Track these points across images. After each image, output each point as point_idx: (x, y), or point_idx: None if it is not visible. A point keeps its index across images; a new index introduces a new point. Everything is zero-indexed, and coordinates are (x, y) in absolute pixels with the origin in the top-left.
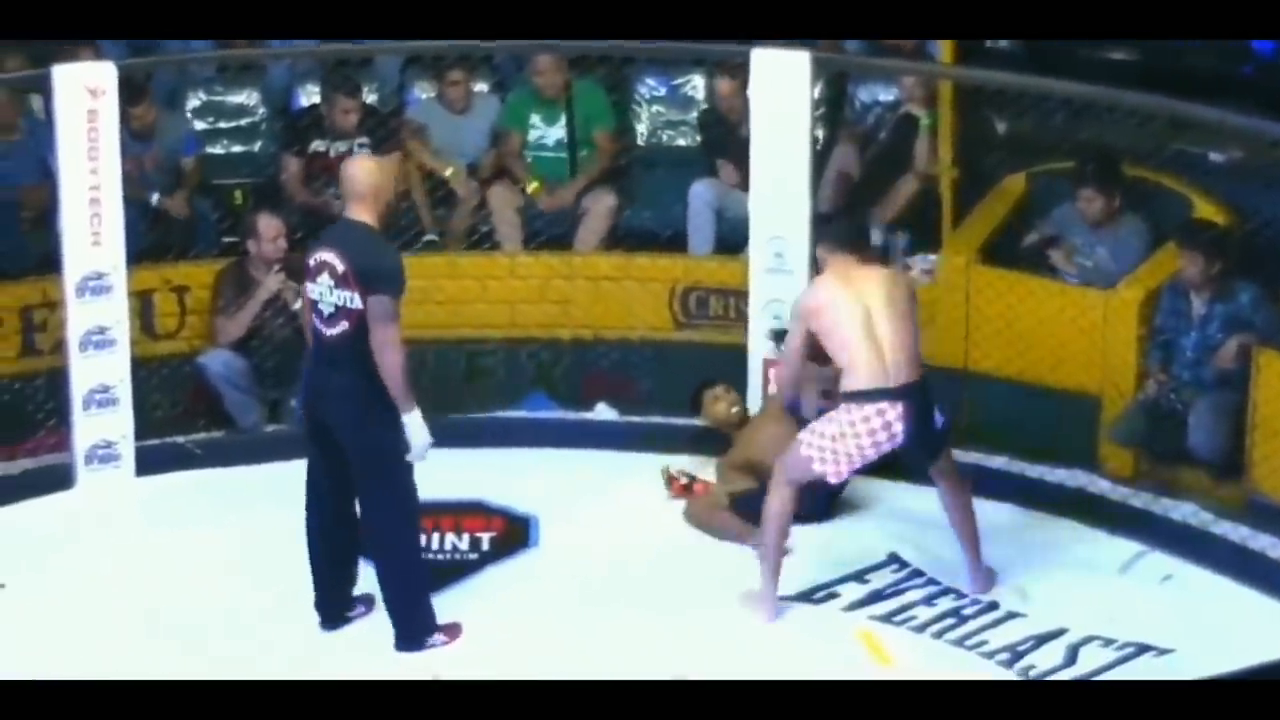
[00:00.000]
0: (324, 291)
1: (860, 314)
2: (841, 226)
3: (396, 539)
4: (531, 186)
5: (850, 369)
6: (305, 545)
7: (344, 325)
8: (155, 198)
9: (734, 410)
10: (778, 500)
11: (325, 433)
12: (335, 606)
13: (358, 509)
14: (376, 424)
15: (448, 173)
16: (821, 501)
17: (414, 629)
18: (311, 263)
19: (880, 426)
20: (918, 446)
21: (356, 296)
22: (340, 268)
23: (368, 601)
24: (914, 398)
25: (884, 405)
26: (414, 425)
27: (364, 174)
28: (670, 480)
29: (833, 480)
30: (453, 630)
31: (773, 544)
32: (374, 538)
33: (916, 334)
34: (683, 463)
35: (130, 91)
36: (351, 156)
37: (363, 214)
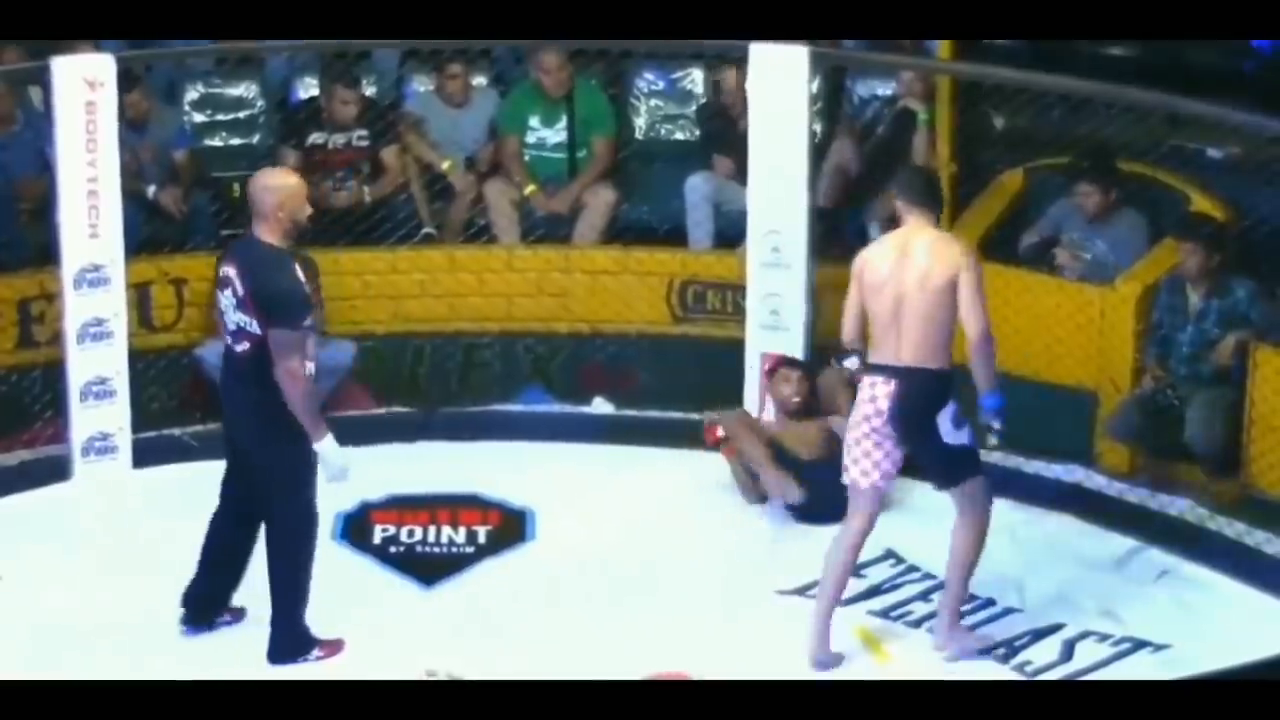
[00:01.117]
0: (228, 308)
1: (892, 287)
2: (918, 180)
3: (290, 554)
4: (529, 189)
5: (870, 340)
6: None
7: (245, 345)
8: (152, 190)
9: (795, 399)
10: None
11: (234, 444)
12: (206, 607)
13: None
14: (280, 440)
15: (445, 166)
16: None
17: (291, 644)
18: (220, 274)
19: (868, 399)
20: (912, 445)
21: (255, 323)
22: (240, 290)
23: (238, 614)
24: (908, 380)
25: (876, 379)
26: (328, 452)
27: (268, 191)
28: (707, 429)
29: (880, 483)
30: (334, 646)
31: (834, 579)
32: (270, 550)
33: (946, 320)
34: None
35: (124, 80)
36: (262, 170)
37: (267, 233)
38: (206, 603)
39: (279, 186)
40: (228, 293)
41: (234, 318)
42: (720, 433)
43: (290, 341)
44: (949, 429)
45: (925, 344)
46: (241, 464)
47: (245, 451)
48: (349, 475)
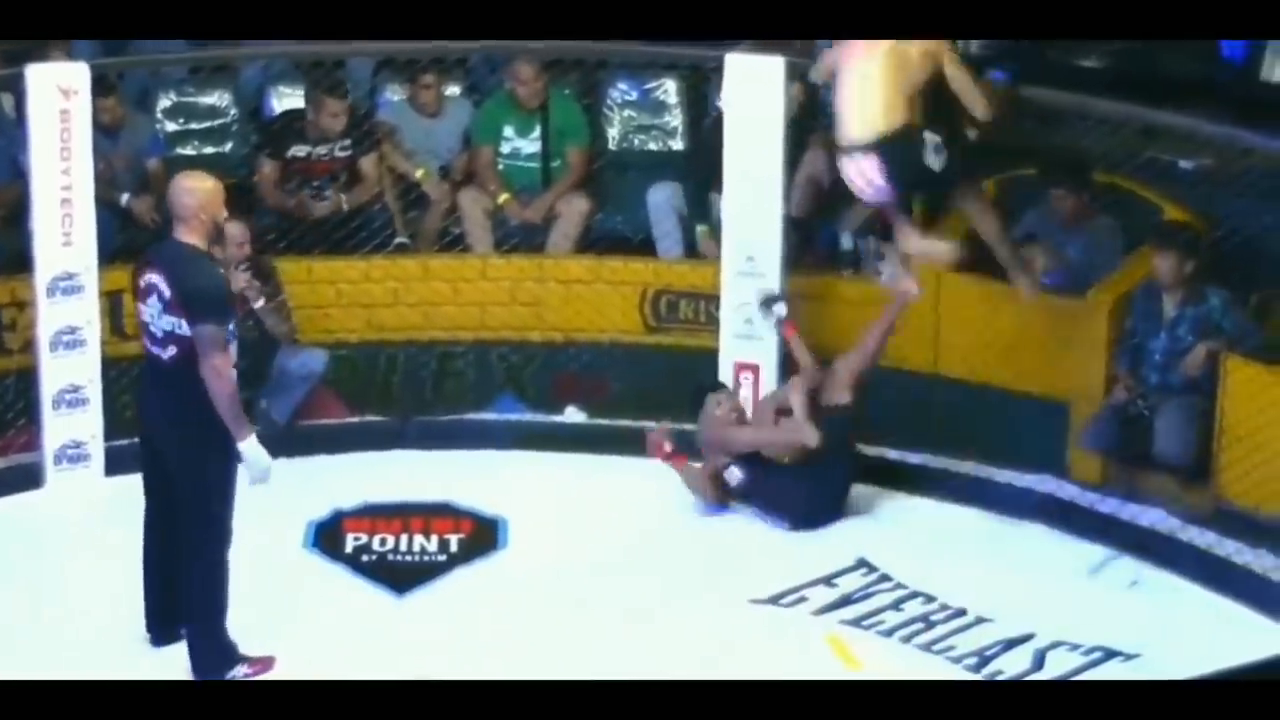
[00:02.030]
0: (153, 315)
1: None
2: None
3: (205, 567)
4: (502, 198)
5: None
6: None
7: (174, 350)
8: (125, 198)
9: (733, 416)
10: None
11: (155, 453)
12: (164, 621)
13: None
14: (201, 448)
15: (418, 175)
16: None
17: (212, 659)
18: (141, 284)
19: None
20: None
21: (183, 323)
22: (167, 293)
23: None
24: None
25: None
26: (251, 451)
27: (189, 194)
28: (656, 444)
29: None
30: (263, 664)
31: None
32: (185, 562)
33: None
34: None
35: (98, 85)
36: (182, 174)
37: (188, 235)
38: (164, 617)
39: (199, 189)
40: (152, 299)
41: (161, 323)
42: (667, 447)
43: (216, 338)
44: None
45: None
46: (160, 474)
47: (165, 460)
48: (270, 477)
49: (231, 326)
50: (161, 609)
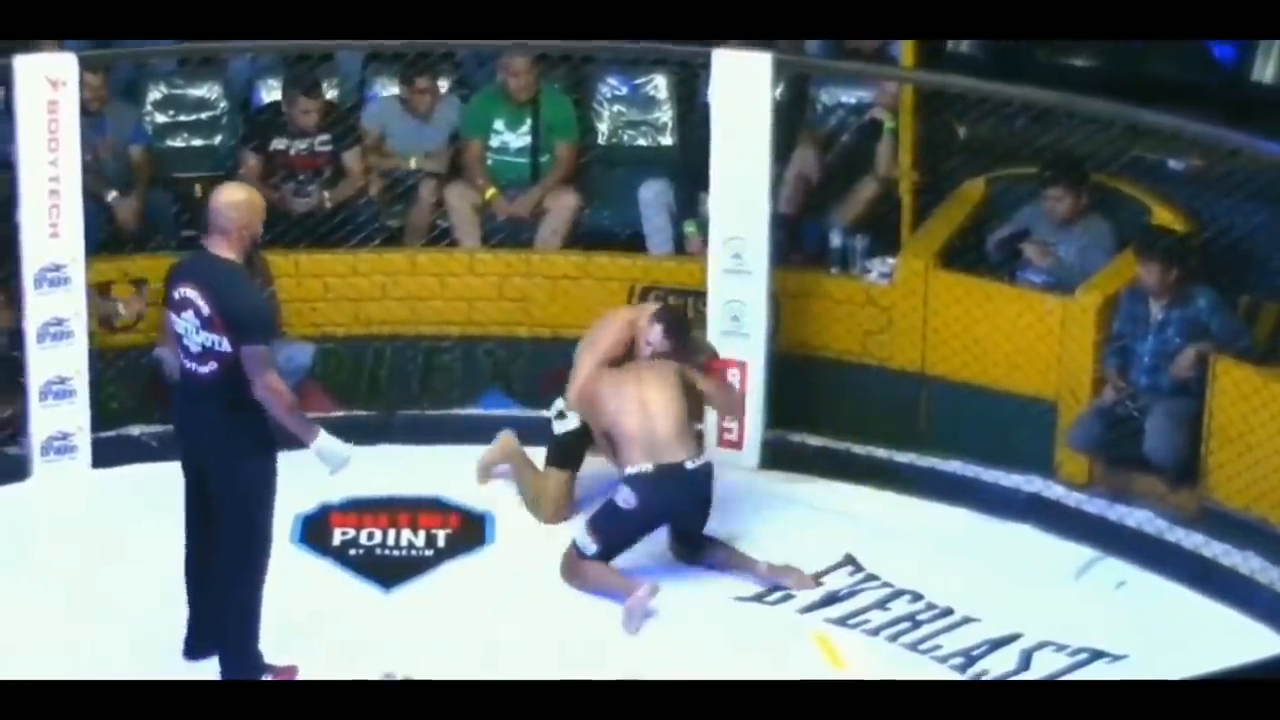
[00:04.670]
0: (189, 329)
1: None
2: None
3: (244, 578)
4: (489, 193)
5: None
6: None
7: (213, 365)
8: (112, 195)
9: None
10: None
11: (196, 467)
12: (202, 637)
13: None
14: (242, 461)
15: (413, 163)
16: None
17: (241, 669)
18: (176, 296)
19: None
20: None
21: (225, 341)
22: (205, 310)
23: None
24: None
25: None
26: (325, 446)
27: (234, 208)
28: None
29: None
30: (287, 673)
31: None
32: (223, 570)
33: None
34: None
35: (84, 63)
36: (221, 185)
37: (226, 249)
38: (203, 631)
39: (244, 203)
40: (188, 314)
41: (199, 339)
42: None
43: (266, 357)
44: None
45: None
46: (201, 492)
47: (205, 477)
48: (350, 463)
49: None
50: (202, 624)
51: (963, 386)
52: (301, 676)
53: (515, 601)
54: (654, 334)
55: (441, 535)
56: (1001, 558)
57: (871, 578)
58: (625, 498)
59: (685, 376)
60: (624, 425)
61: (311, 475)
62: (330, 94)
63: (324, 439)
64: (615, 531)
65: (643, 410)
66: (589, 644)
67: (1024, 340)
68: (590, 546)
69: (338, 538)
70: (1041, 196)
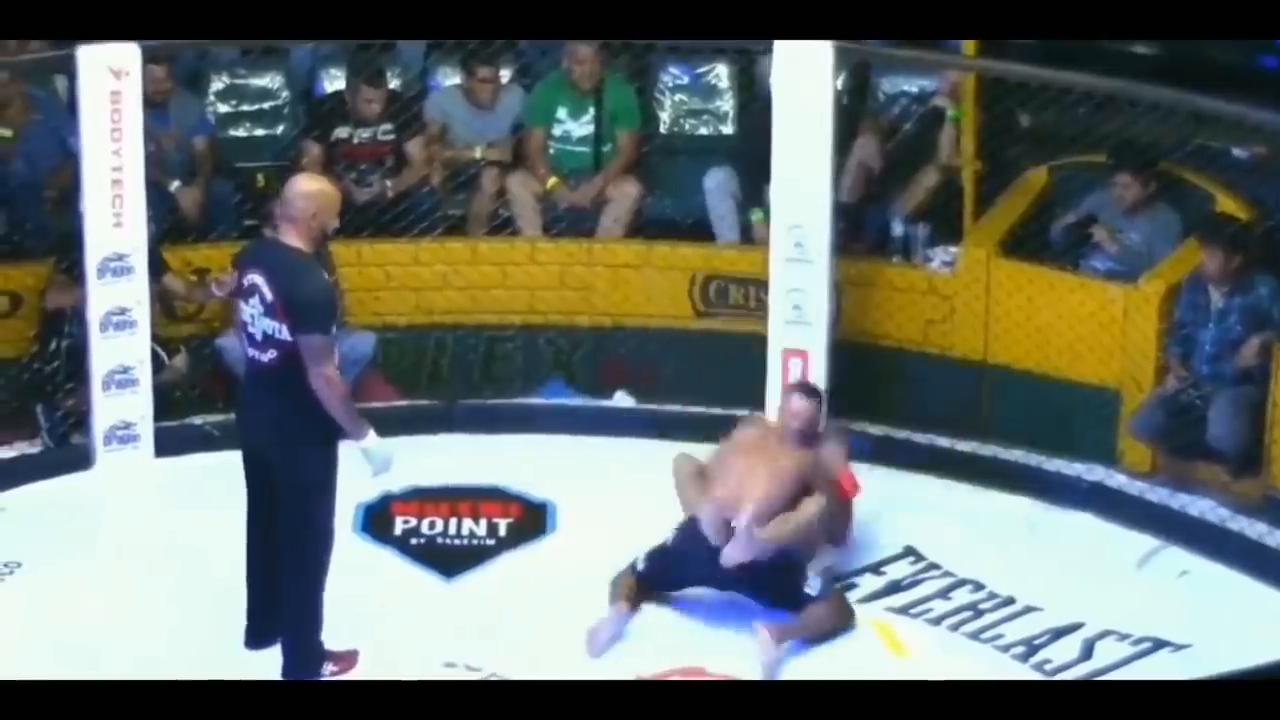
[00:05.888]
0: (253, 316)
1: None
2: None
3: (305, 567)
4: (550, 182)
5: None
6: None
7: (274, 353)
8: (175, 185)
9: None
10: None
11: (256, 456)
12: (263, 626)
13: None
14: (303, 449)
15: (476, 154)
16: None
17: (303, 659)
18: (244, 282)
19: None
20: None
21: (285, 329)
22: (269, 296)
23: None
24: None
25: None
26: (372, 446)
27: (307, 199)
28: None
29: None
30: (348, 659)
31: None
32: (285, 561)
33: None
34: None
35: (148, 54)
36: (294, 176)
37: (295, 238)
38: (264, 622)
39: (317, 194)
40: (254, 300)
41: (262, 325)
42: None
43: (324, 347)
44: None
45: None
46: (262, 481)
47: (266, 465)
48: (393, 466)
49: (334, 330)
50: (263, 614)
51: (1025, 375)
52: (362, 665)
53: (576, 591)
54: (794, 401)
55: (503, 524)
56: (1064, 547)
57: (933, 567)
58: (669, 535)
59: (804, 473)
60: (718, 483)
61: (396, 463)
62: (393, 83)
63: (372, 438)
64: (657, 563)
65: (738, 479)
66: (648, 636)
67: (1086, 329)
68: (641, 563)
69: (399, 527)
70: (1109, 184)
